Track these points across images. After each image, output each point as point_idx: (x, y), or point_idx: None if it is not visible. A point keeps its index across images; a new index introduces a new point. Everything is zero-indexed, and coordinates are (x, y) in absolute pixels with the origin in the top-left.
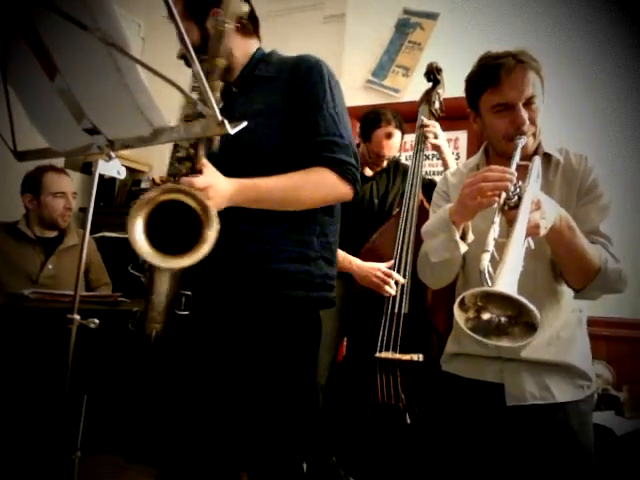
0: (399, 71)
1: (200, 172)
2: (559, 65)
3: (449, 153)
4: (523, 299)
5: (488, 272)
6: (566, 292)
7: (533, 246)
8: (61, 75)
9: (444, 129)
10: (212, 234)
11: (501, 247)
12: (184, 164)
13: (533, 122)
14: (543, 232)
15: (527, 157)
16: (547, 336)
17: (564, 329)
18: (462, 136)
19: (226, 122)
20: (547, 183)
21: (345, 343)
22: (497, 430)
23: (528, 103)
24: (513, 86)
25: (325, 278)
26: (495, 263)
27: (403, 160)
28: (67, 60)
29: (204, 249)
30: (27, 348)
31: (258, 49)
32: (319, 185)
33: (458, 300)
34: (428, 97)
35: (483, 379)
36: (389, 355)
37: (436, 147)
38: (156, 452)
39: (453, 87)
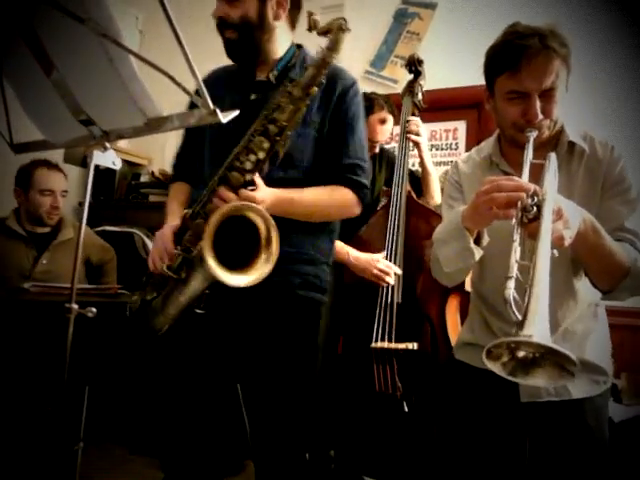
0: (397, 61)
1: (254, 183)
2: None
3: (426, 151)
4: (561, 349)
5: (514, 300)
6: (582, 286)
7: (557, 254)
8: (56, 68)
9: (443, 119)
10: (275, 254)
11: (522, 268)
12: (241, 175)
13: (548, 114)
14: (568, 242)
15: (541, 147)
16: (562, 331)
17: (579, 323)
18: (461, 126)
19: (218, 111)
20: (570, 175)
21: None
22: (509, 422)
23: (546, 94)
24: (533, 75)
25: (326, 283)
26: (518, 283)
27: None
28: (60, 51)
29: (267, 268)
30: (28, 341)
31: (292, 43)
32: (342, 204)
33: (485, 352)
34: (411, 89)
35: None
36: (385, 345)
37: (416, 143)
38: (160, 443)
39: (451, 77)
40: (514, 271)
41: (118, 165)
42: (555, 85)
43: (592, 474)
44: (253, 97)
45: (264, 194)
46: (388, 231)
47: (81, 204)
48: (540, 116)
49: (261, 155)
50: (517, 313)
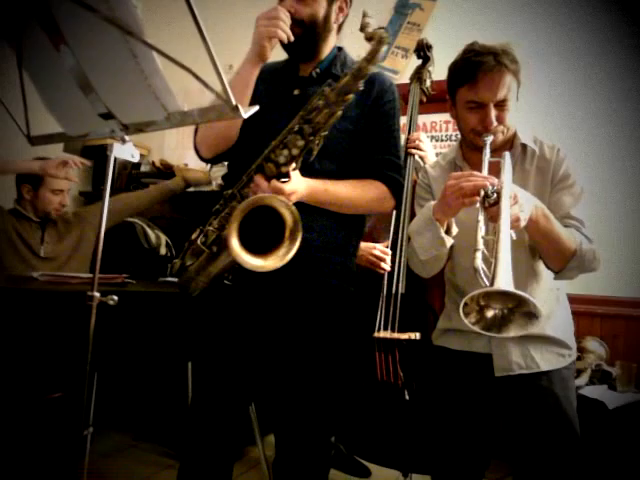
0: (398, 52)
1: (288, 175)
2: (559, 65)
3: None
4: (523, 294)
5: (482, 270)
6: (544, 273)
7: (515, 237)
8: (75, 57)
9: (443, 110)
10: (295, 246)
11: (487, 243)
12: (275, 167)
13: (502, 121)
14: (523, 224)
15: (498, 149)
16: None
17: (543, 306)
18: None
19: (240, 107)
20: (524, 172)
21: None
22: (487, 397)
23: (500, 104)
24: (488, 87)
25: (352, 273)
26: (484, 257)
27: None
28: (84, 47)
29: (287, 256)
30: (38, 329)
31: (335, 45)
32: (375, 198)
33: (461, 306)
34: (419, 75)
35: (472, 350)
36: (387, 335)
37: (421, 158)
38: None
39: None
40: (480, 245)
41: (136, 158)
42: (507, 97)
43: (561, 438)
44: (296, 92)
45: (295, 186)
46: (393, 220)
47: (82, 194)
48: (495, 123)
49: (294, 152)
50: (485, 280)
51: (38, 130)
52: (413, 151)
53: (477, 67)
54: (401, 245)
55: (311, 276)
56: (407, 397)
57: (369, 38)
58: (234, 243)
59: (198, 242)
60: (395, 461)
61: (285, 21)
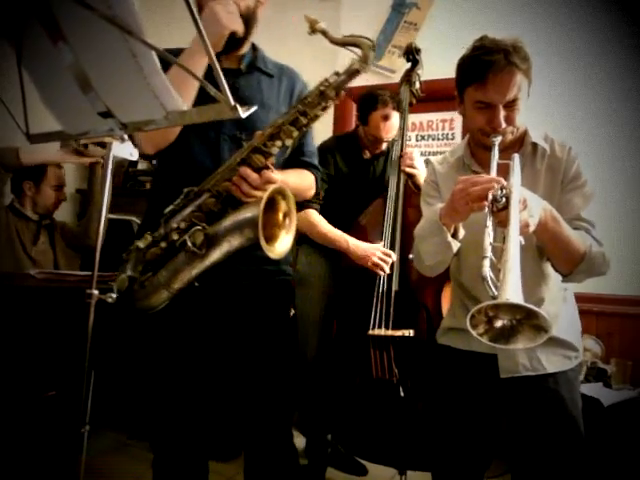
0: (395, 51)
1: (269, 168)
2: (559, 65)
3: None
4: (533, 307)
5: (490, 278)
6: (552, 273)
7: (523, 242)
8: (75, 56)
9: (439, 110)
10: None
11: (495, 250)
12: (264, 158)
13: (511, 122)
14: (532, 229)
15: (507, 148)
16: None
17: (551, 305)
18: (457, 117)
19: (238, 107)
20: (534, 172)
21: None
22: (491, 398)
23: (509, 104)
24: (497, 88)
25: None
26: (491, 264)
27: None
28: (84, 46)
29: (289, 242)
30: (36, 326)
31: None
32: (309, 186)
33: (469, 319)
34: (408, 77)
35: (477, 350)
36: (382, 332)
37: (411, 175)
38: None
39: (448, 68)
40: (489, 252)
41: (135, 156)
42: (517, 96)
43: (566, 441)
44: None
45: (279, 177)
46: (386, 219)
47: (78, 192)
48: (504, 124)
49: (288, 142)
50: (493, 289)
51: (37, 128)
52: (407, 170)
53: (487, 67)
54: (394, 242)
55: (268, 266)
56: (402, 394)
57: (345, 43)
58: (262, 237)
59: (189, 246)
60: (391, 459)
61: (238, 14)
